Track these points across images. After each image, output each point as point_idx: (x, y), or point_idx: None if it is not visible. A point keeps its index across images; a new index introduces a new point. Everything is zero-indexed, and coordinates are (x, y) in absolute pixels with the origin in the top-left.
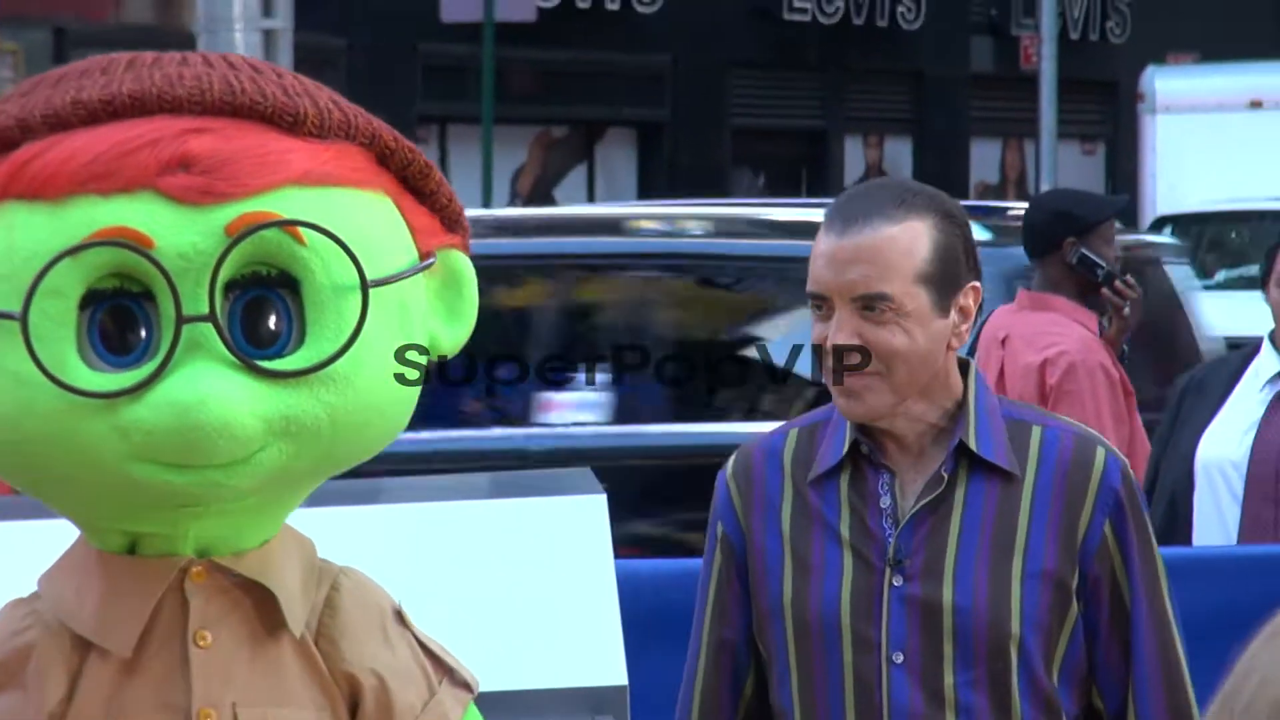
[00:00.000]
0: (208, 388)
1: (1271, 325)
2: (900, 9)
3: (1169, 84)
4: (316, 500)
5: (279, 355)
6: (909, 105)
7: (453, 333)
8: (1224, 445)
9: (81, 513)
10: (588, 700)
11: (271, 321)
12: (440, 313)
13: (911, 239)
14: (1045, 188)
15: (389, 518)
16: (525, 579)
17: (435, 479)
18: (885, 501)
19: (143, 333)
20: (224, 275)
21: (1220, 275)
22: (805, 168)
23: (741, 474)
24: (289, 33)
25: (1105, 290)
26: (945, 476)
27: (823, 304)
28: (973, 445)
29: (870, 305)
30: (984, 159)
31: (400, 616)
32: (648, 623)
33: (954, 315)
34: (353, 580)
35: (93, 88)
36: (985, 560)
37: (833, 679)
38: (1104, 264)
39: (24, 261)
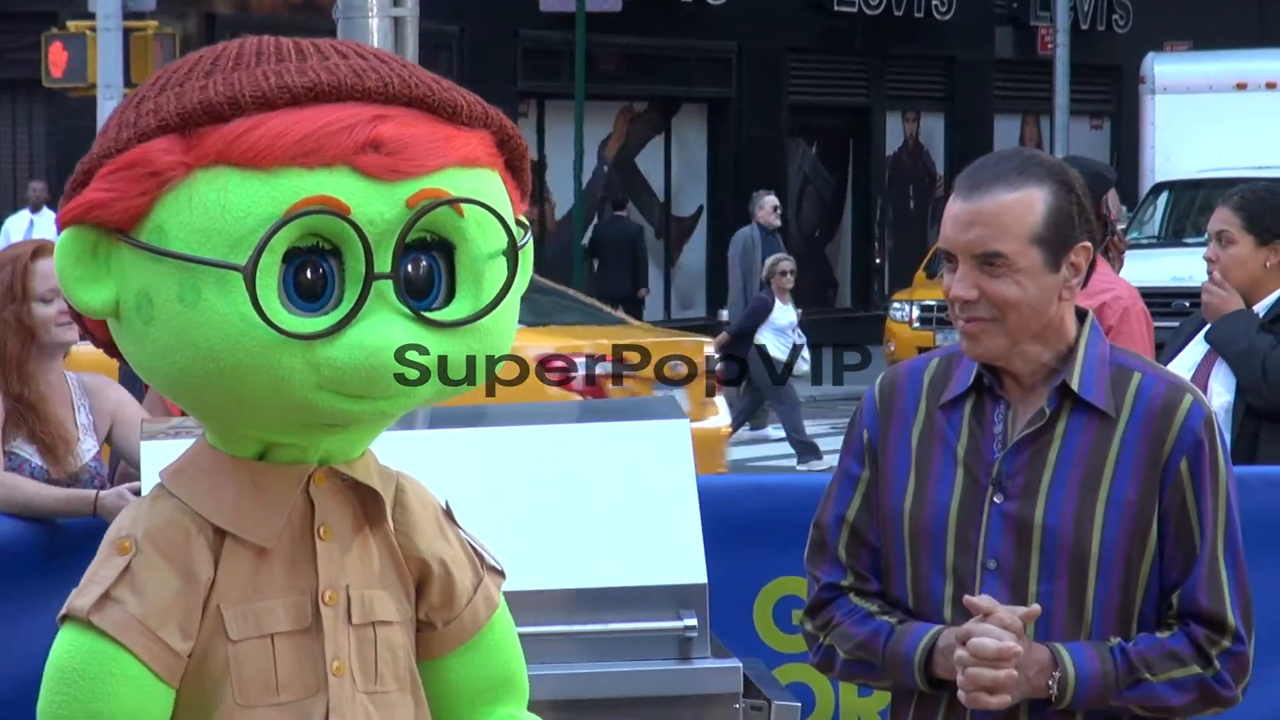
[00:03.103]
0: (392, 335)
1: None
2: (934, 2)
3: (1166, 68)
4: (436, 423)
5: (430, 308)
6: (941, 86)
7: (522, 282)
8: None
9: (236, 426)
10: (673, 596)
11: (426, 279)
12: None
13: (1028, 204)
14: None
15: (508, 439)
16: (622, 492)
17: (534, 405)
18: (998, 429)
19: (328, 284)
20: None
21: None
22: (852, 139)
23: (886, 390)
24: (415, 19)
25: (1113, 238)
26: (1047, 411)
27: (950, 259)
28: (1074, 386)
29: (989, 261)
30: (1006, 133)
31: (449, 514)
32: (725, 530)
33: (1065, 271)
34: (411, 483)
35: (290, 74)
36: (1075, 487)
37: (936, 578)
38: (1112, 217)
39: (236, 220)
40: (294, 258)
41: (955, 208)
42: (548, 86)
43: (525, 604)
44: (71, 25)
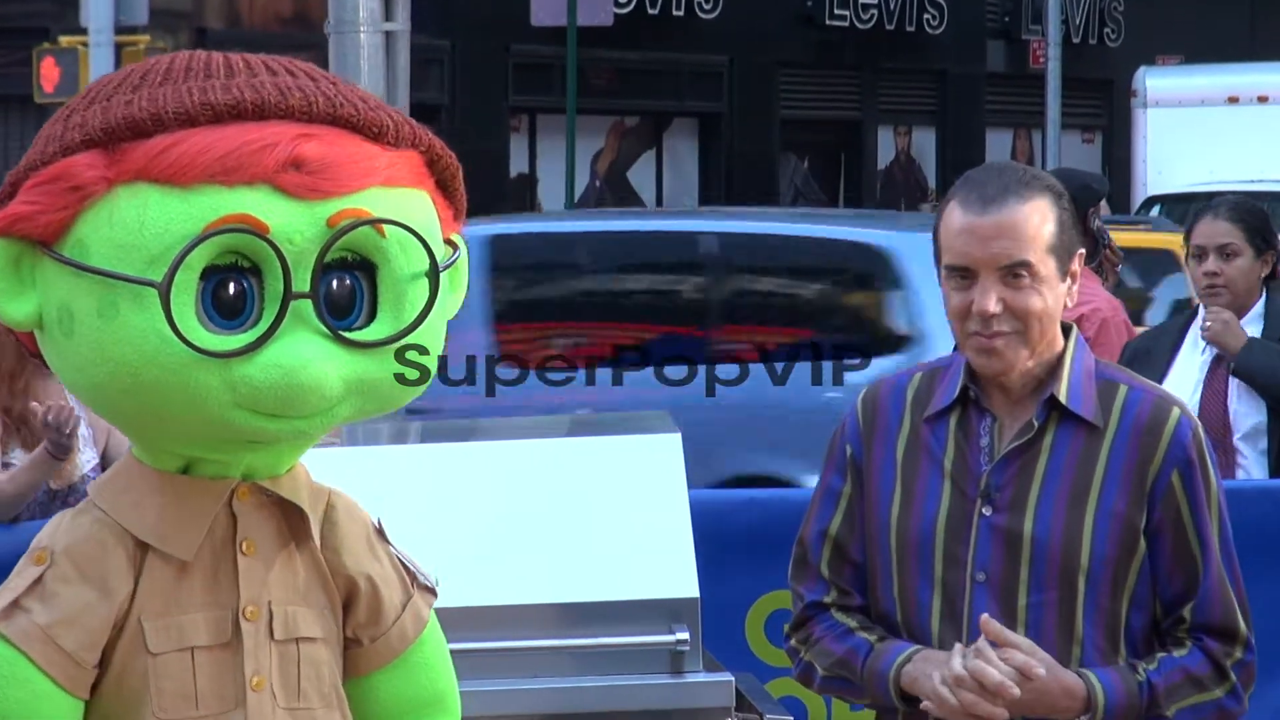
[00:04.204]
0: (308, 354)
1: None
2: (926, 16)
3: (1158, 82)
4: (428, 437)
5: (351, 328)
6: (933, 100)
7: (454, 301)
8: None
9: (157, 440)
10: (665, 610)
11: (348, 298)
12: (449, 285)
13: (1042, 215)
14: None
15: (500, 453)
16: (614, 506)
17: (527, 419)
18: (984, 441)
19: (247, 302)
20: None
21: None
22: (843, 154)
23: (869, 405)
24: (407, 34)
25: (1107, 251)
26: (1036, 424)
27: (966, 274)
28: (1062, 399)
29: (1014, 273)
30: (998, 147)
31: (380, 532)
32: (717, 544)
33: (1068, 279)
34: (342, 499)
35: (214, 91)
36: (1064, 499)
37: (925, 591)
38: (1106, 230)
39: (154, 236)
40: (213, 275)
41: (971, 221)
42: (539, 101)
43: (517, 618)
44: (63, 40)
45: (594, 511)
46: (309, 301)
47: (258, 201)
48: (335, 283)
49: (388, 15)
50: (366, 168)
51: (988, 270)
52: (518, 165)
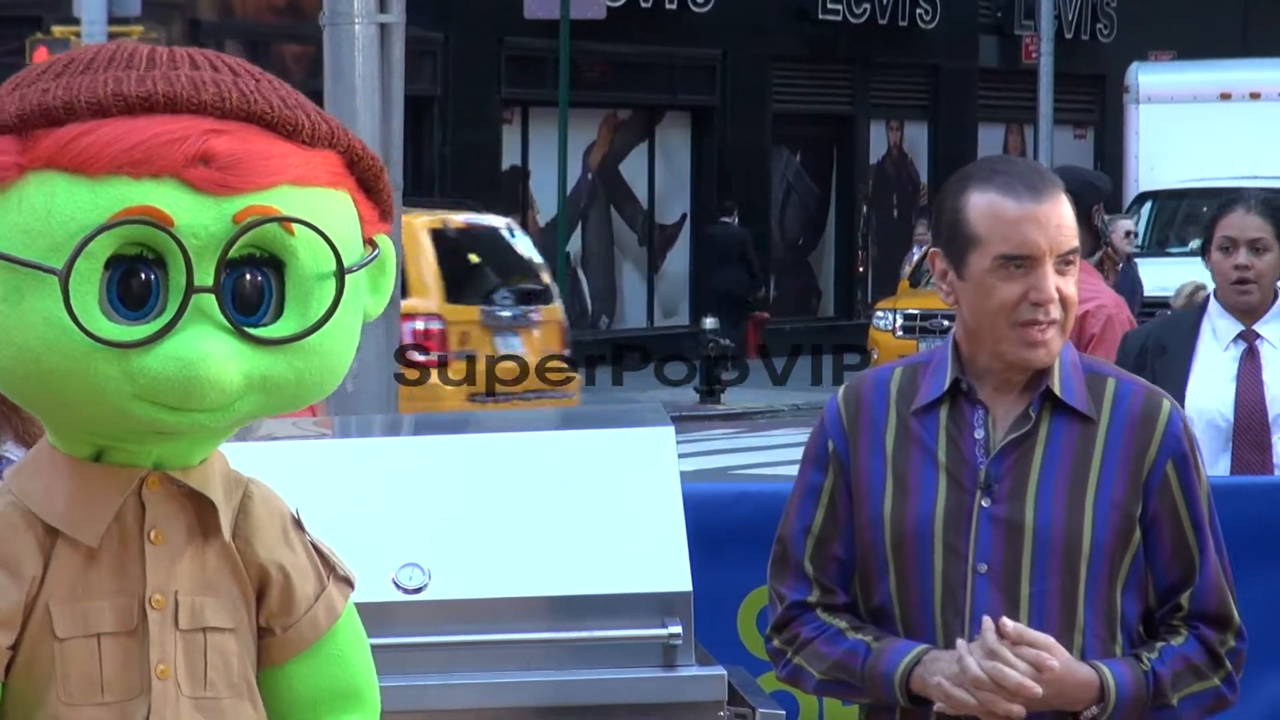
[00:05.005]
0: (207, 348)
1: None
2: (919, 11)
3: (1150, 78)
4: (421, 429)
5: (258, 324)
6: (925, 94)
7: (376, 302)
8: (1209, 399)
9: (66, 427)
10: (658, 603)
11: (256, 295)
12: (368, 286)
13: (1068, 204)
14: None
15: (493, 446)
16: (607, 499)
17: (519, 412)
18: (979, 433)
19: (152, 294)
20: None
21: (1194, 243)
22: (836, 148)
23: (852, 399)
24: (401, 26)
25: (1107, 248)
26: (1032, 416)
27: (1023, 263)
28: (1056, 390)
29: (1067, 260)
30: (990, 142)
31: (297, 522)
32: (710, 538)
33: None
34: (260, 489)
35: (128, 82)
36: (1063, 489)
37: (924, 583)
38: (1106, 228)
39: (60, 224)
40: (118, 265)
41: (1030, 209)
42: (532, 94)
43: (509, 611)
44: (56, 30)
45: (587, 505)
46: (212, 296)
47: (164, 195)
48: (246, 278)
49: (382, 7)
50: (277, 165)
51: (1050, 257)
52: (510, 158)
